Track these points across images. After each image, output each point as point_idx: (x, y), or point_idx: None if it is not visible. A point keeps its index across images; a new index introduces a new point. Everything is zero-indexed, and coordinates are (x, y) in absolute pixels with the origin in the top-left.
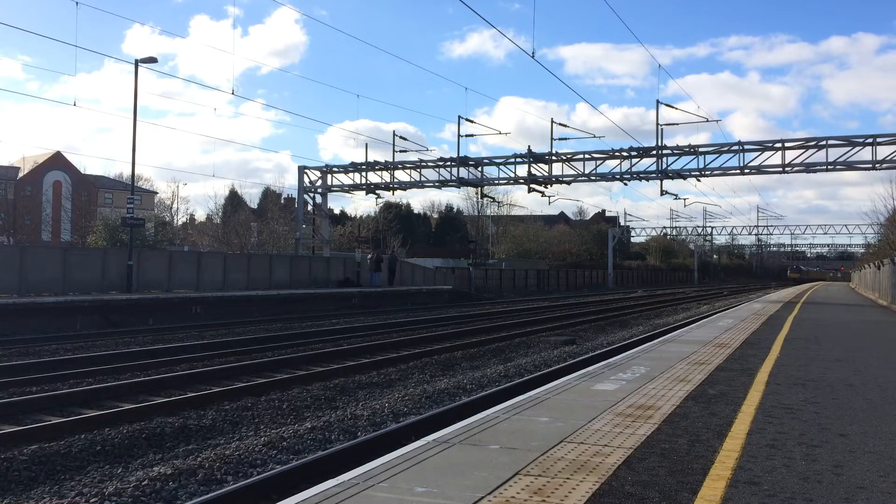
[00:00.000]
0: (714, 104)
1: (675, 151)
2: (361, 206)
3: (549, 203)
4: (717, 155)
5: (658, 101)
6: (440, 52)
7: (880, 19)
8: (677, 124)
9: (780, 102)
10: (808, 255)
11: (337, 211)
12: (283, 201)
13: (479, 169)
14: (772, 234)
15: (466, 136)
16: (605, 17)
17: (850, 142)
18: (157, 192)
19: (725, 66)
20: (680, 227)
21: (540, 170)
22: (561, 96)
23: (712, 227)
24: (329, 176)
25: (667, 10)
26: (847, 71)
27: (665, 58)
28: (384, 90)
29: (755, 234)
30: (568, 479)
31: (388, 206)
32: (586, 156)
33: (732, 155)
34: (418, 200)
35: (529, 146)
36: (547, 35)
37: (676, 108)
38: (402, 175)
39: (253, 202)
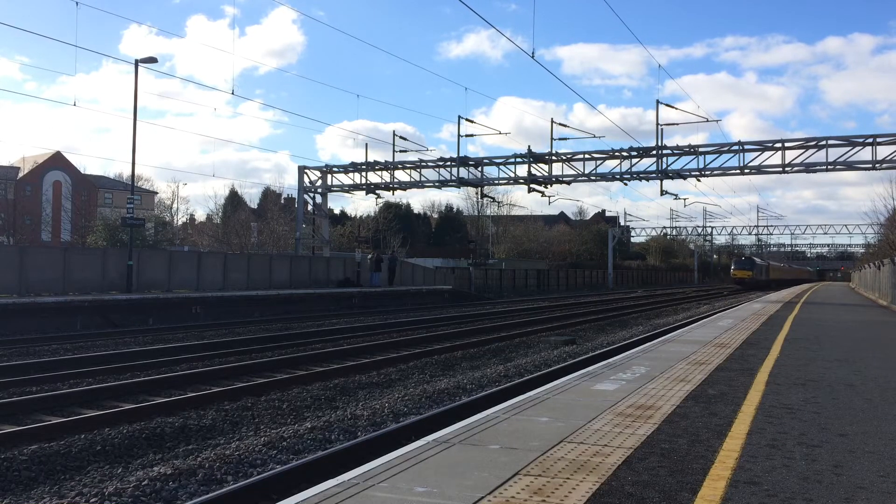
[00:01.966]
0: (711, 104)
1: (675, 151)
2: (361, 206)
3: (549, 203)
4: (716, 155)
5: (658, 101)
6: (437, 52)
7: (876, 20)
8: (677, 124)
9: (777, 103)
10: (809, 254)
11: (337, 211)
12: (283, 201)
13: (479, 169)
14: (772, 234)
15: (466, 136)
16: (602, 17)
17: (850, 142)
18: (157, 192)
19: (722, 67)
20: (680, 227)
21: (540, 170)
22: (559, 96)
23: (712, 227)
24: (329, 176)
25: (662, 11)
26: (844, 71)
27: (661, 58)
28: (382, 90)
29: (755, 234)
30: (568, 479)
31: (388, 206)
32: (586, 156)
33: (732, 155)
34: (418, 200)
35: (529, 146)
36: (544, 35)
37: (676, 108)
38: (401, 175)
39: (253, 202)
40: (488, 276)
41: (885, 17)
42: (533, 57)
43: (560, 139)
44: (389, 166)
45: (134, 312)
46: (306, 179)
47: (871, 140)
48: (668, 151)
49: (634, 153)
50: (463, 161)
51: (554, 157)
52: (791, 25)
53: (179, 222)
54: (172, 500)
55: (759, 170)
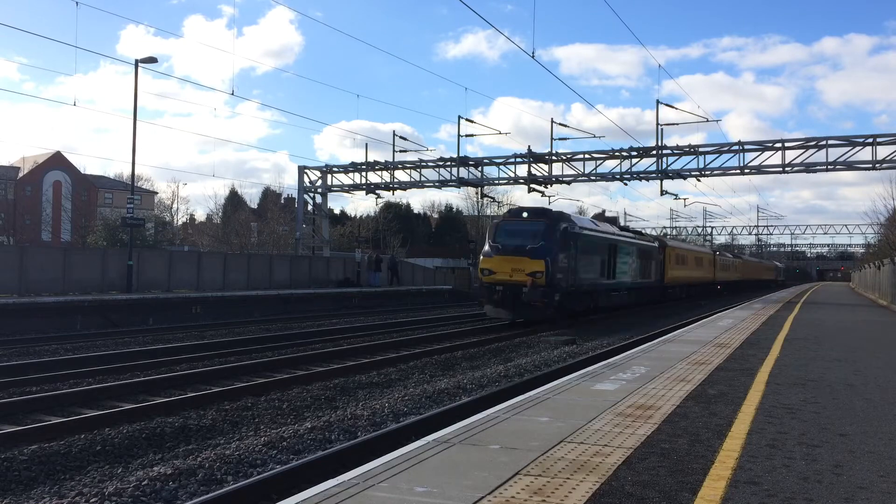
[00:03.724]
0: (709, 105)
1: (676, 151)
2: (361, 206)
3: (549, 203)
4: (716, 155)
5: (658, 101)
6: (435, 52)
7: (873, 20)
8: (676, 124)
9: (775, 103)
10: (808, 254)
11: (337, 211)
12: (283, 201)
13: (479, 169)
14: (772, 234)
15: (466, 136)
16: (599, 17)
17: (850, 142)
18: (157, 192)
19: (719, 67)
20: (680, 227)
21: (540, 170)
22: (557, 96)
23: (712, 227)
24: (329, 176)
25: (659, 11)
26: (840, 72)
27: (658, 59)
28: (380, 91)
29: (755, 234)
30: (568, 479)
31: (388, 206)
32: (586, 156)
33: (732, 155)
34: (418, 200)
35: (529, 146)
36: (541, 36)
37: (676, 108)
38: (401, 175)
39: (253, 202)
40: None
41: (882, 18)
42: (533, 57)
43: (559, 139)
44: (389, 166)
45: (134, 312)
46: (306, 179)
47: (870, 140)
48: (668, 151)
49: (634, 153)
50: (463, 161)
51: (554, 157)
52: (788, 26)
53: (179, 222)
54: (172, 500)
55: (759, 170)
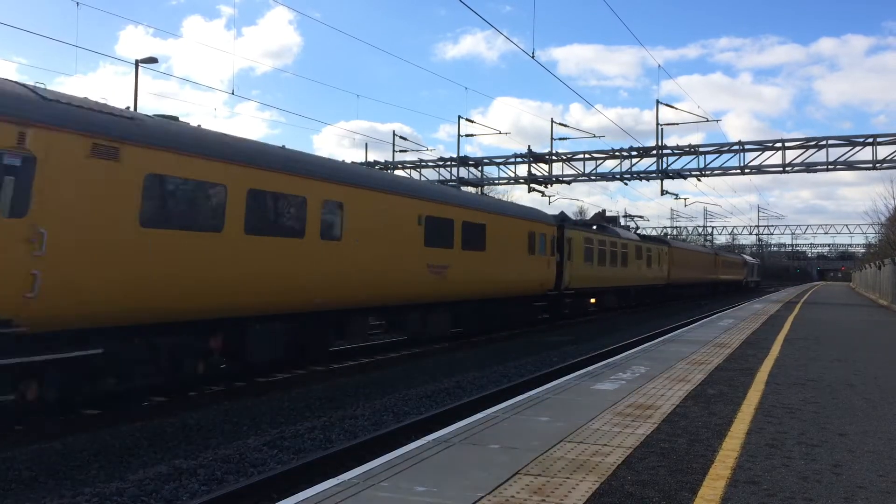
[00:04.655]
0: (707, 105)
1: (676, 151)
2: None
3: (549, 203)
4: (717, 155)
5: (658, 101)
6: (434, 53)
7: (870, 20)
8: (676, 124)
9: (773, 103)
10: (809, 254)
11: None
12: None
13: (479, 169)
14: (772, 234)
15: (465, 135)
16: (597, 18)
17: (850, 142)
18: None
19: (717, 68)
20: (681, 227)
21: (540, 169)
22: (556, 97)
23: (713, 227)
24: None
25: (657, 12)
26: (838, 72)
27: (657, 59)
28: (379, 91)
29: (755, 234)
30: (568, 478)
31: None
32: (586, 155)
33: (732, 155)
34: None
35: (529, 146)
36: (540, 36)
37: (675, 108)
38: (401, 175)
39: None
40: None
41: (879, 18)
42: (533, 57)
43: (559, 139)
44: (389, 166)
45: None
46: None
47: (871, 140)
48: (669, 151)
49: (634, 153)
50: (463, 161)
51: (554, 157)
52: (785, 26)
53: None
54: (173, 500)
55: (760, 169)
